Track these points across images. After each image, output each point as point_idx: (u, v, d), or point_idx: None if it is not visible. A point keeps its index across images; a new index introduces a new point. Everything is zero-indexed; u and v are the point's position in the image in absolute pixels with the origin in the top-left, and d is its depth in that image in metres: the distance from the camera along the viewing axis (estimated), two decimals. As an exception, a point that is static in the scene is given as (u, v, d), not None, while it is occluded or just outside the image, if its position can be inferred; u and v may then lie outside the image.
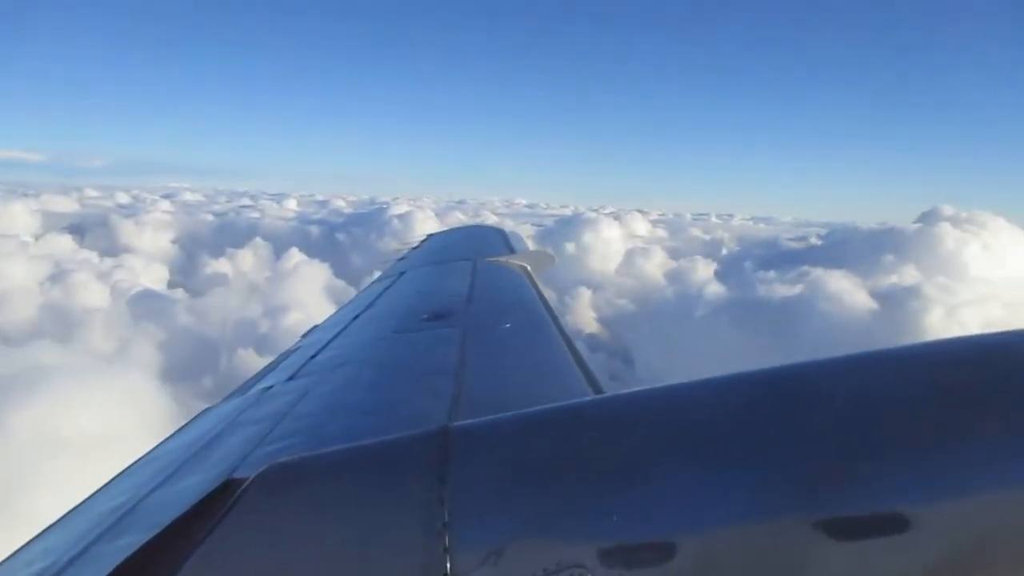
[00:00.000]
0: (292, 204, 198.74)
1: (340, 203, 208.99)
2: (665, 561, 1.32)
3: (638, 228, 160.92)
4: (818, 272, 53.70)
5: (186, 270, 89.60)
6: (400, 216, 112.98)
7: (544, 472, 1.47)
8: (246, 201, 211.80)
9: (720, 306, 50.88)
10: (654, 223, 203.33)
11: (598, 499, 1.41)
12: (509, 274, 6.71)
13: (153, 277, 77.24)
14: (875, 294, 48.65)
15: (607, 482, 1.43)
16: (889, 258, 55.54)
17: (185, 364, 48.33)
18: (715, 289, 54.32)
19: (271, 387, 3.66)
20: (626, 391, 1.73)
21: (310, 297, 62.74)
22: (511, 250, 7.85)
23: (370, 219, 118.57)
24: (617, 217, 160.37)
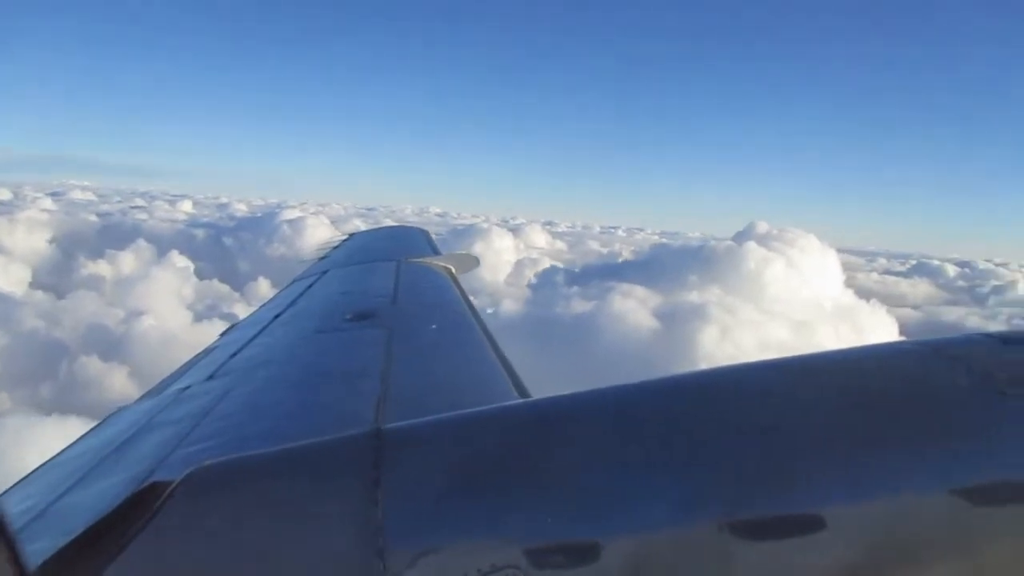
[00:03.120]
0: (186, 206, 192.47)
1: (241, 207, 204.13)
2: (595, 561, 1.36)
3: (537, 240, 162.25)
4: (624, 288, 52.99)
5: (60, 271, 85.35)
6: (290, 222, 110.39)
7: (477, 474, 1.49)
8: (138, 202, 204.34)
9: (510, 322, 49.55)
10: (559, 235, 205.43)
11: (530, 500, 1.44)
12: (433, 275, 6.66)
13: (13, 279, 72.92)
14: (659, 313, 47.93)
15: (539, 484, 1.47)
16: (694, 277, 55.12)
17: (24, 370, 45.36)
18: (511, 306, 53.00)
19: (188, 387, 3.58)
20: (555, 395, 1.75)
21: (174, 303, 60.15)
22: (435, 252, 7.91)
23: (260, 224, 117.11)
24: (514, 229, 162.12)
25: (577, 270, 65.98)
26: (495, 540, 1.39)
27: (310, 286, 6.47)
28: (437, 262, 7.28)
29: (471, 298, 6.15)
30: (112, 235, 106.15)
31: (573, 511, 1.43)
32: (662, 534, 1.41)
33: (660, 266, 59.17)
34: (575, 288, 56.36)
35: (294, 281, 7.19)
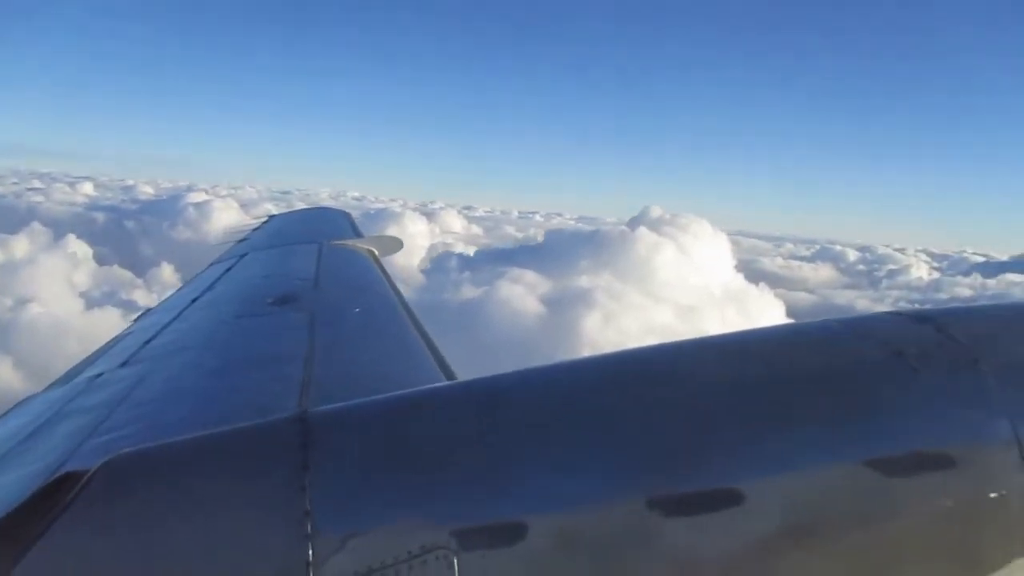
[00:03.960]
0: (87, 188, 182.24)
1: (147, 189, 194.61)
2: (523, 540, 1.38)
3: (453, 224, 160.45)
4: (514, 273, 52.17)
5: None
6: (197, 205, 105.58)
7: (404, 456, 1.49)
8: (36, 183, 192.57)
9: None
10: (477, 220, 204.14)
11: (458, 482, 1.45)
12: (356, 258, 6.65)
13: None
14: (546, 299, 47.30)
15: (466, 465, 1.48)
16: (585, 262, 54.74)
17: None
18: (403, 292, 51.53)
19: (101, 375, 3.47)
20: (481, 377, 1.75)
21: (65, 289, 56.07)
22: (357, 234, 7.92)
23: (165, 207, 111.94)
24: (429, 214, 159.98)
25: (471, 255, 64.69)
26: (424, 522, 1.38)
27: (228, 270, 6.25)
28: (360, 244, 7.20)
29: (391, 278, 6.00)
30: (4, 218, 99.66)
31: (500, 491, 1.44)
32: (587, 512, 1.43)
33: (553, 252, 58.68)
34: (466, 274, 55.32)
35: (211, 265, 6.96)
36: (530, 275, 52.12)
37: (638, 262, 54.08)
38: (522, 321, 44.90)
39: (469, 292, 49.61)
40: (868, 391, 1.65)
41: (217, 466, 1.52)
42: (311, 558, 1.33)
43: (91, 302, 54.45)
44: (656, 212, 62.82)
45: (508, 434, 1.56)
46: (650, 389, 1.66)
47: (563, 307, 45.67)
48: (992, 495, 1.57)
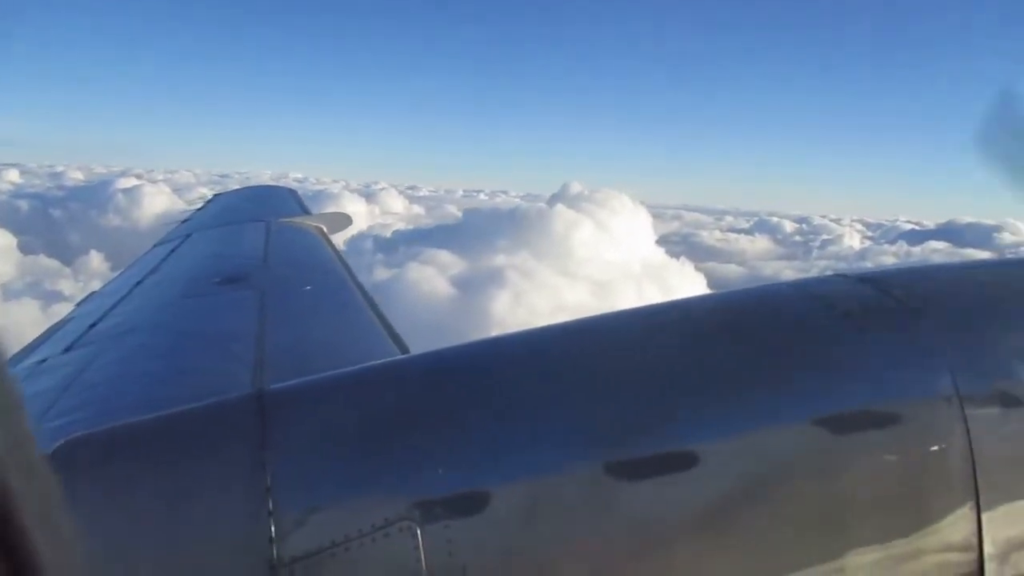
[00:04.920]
0: (13, 176, 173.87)
1: (77, 175, 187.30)
2: (486, 508, 1.39)
3: (394, 205, 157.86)
4: (428, 254, 50.89)
5: None
6: (126, 191, 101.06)
7: (363, 430, 1.49)
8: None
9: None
10: (420, 200, 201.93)
11: (418, 453, 1.44)
12: (305, 235, 6.56)
13: None
14: (457, 280, 46.17)
15: (426, 436, 1.48)
16: (503, 241, 53.66)
17: None
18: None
19: (44, 360, 3.39)
20: (437, 349, 1.75)
21: None
22: (305, 211, 7.97)
23: (93, 194, 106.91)
24: (370, 195, 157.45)
25: (387, 236, 63.10)
26: (385, 495, 1.39)
27: (173, 251, 6.10)
28: (308, 222, 7.14)
29: (342, 254, 5.91)
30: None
31: (462, 461, 1.44)
32: (548, 479, 1.44)
33: (471, 231, 57.44)
34: (379, 256, 53.83)
35: (155, 246, 6.81)
36: (444, 255, 50.89)
37: (555, 239, 53.25)
38: (430, 303, 43.66)
39: (381, 274, 48.02)
40: (817, 351, 1.68)
41: (174, 447, 1.48)
42: (273, 534, 1.32)
43: (13, 293, 51.62)
44: (575, 188, 62.12)
45: (467, 405, 1.54)
46: (605, 356, 1.66)
47: (474, 288, 44.58)
48: (934, 448, 1.60)
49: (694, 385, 1.60)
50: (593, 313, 1.91)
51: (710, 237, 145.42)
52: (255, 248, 5.72)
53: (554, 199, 60.88)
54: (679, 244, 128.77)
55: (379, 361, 1.86)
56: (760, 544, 1.53)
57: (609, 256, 53.12)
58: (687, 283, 52.97)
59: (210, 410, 1.60)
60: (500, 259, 50.82)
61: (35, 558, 0.51)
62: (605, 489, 1.45)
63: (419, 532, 1.36)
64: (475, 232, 56.58)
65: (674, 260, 58.15)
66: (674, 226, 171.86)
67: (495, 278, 45.04)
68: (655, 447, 1.49)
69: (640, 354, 1.68)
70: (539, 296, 43.91)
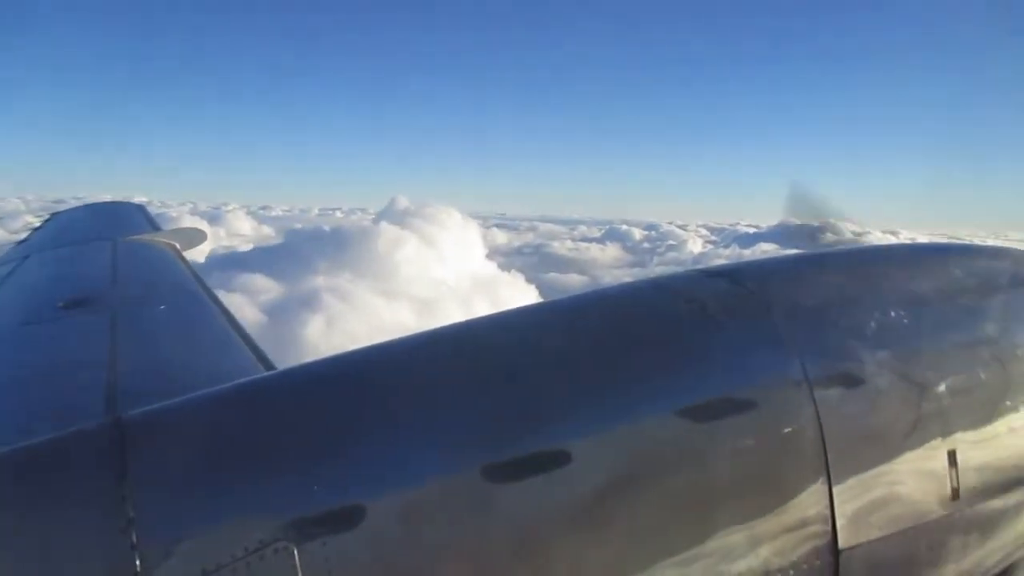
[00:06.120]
0: None
1: None
2: (363, 522, 1.38)
3: (242, 227, 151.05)
4: (242, 279, 47.54)
5: None
6: None
7: (230, 452, 1.45)
8: None
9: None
10: (271, 220, 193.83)
11: (289, 472, 1.41)
12: (156, 253, 6.27)
13: None
14: (267, 306, 43.26)
15: (296, 454, 1.44)
16: (324, 262, 51.13)
17: None
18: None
19: None
20: (303, 364, 1.73)
21: None
22: (155, 227, 7.60)
23: None
24: (215, 216, 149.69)
25: (202, 261, 58.87)
26: (258, 516, 1.35)
27: (8, 275, 5.67)
28: (159, 238, 6.81)
29: (197, 271, 5.62)
30: None
31: (335, 477, 1.42)
32: (425, 487, 1.44)
33: (291, 253, 54.52)
34: (188, 284, 49.90)
35: None
36: (259, 280, 47.80)
37: (379, 258, 51.31)
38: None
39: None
40: (678, 345, 1.75)
41: (25, 483, 1.41)
42: (138, 569, 1.27)
43: None
44: (403, 204, 60.33)
45: (338, 418, 1.50)
46: (474, 361, 1.66)
47: (285, 314, 41.76)
48: (787, 429, 1.70)
49: (563, 385, 1.62)
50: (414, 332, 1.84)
51: (562, 247, 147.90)
52: (102, 268, 5.38)
53: (380, 216, 59.01)
54: (532, 255, 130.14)
55: (243, 380, 1.79)
56: (633, 534, 1.57)
57: (436, 273, 51.78)
58: (518, 296, 52.54)
59: (63, 442, 1.50)
60: (319, 281, 48.36)
61: None
62: (482, 492, 1.44)
63: (296, 552, 1.32)
64: (295, 253, 53.68)
65: (505, 273, 57.64)
66: (528, 237, 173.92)
67: (309, 302, 42.56)
68: (528, 448, 1.49)
69: (508, 357, 1.68)
70: (356, 319, 41.87)
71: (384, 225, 54.13)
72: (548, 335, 1.76)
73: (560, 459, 1.49)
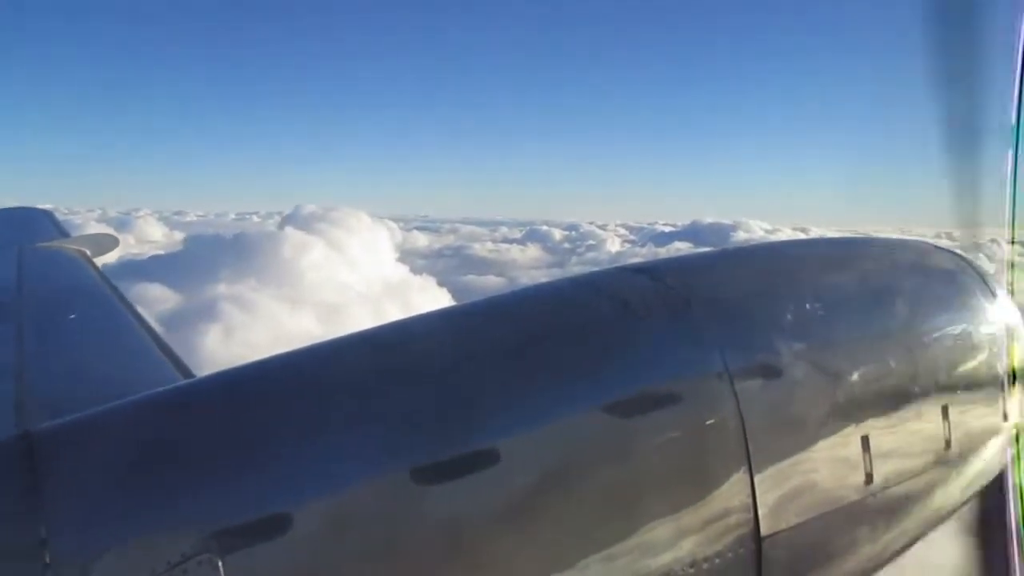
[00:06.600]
0: None
1: None
2: (289, 531, 1.36)
3: (152, 233, 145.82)
4: (138, 289, 45.38)
5: None
6: None
7: (148, 463, 1.40)
8: None
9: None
10: (184, 226, 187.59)
11: (211, 481, 1.39)
12: (66, 260, 6.19)
13: None
14: (164, 317, 41.55)
15: (217, 463, 1.41)
16: (227, 270, 49.51)
17: None
18: None
19: None
20: (219, 371, 1.69)
21: None
22: (63, 234, 7.52)
23: None
24: (124, 223, 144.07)
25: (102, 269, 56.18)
26: (179, 529, 1.31)
27: None
28: (68, 245, 6.76)
29: (109, 278, 5.41)
30: None
31: (259, 485, 1.38)
32: (351, 492, 1.43)
33: (192, 260, 52.62)
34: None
35: None
36: (156, 290, 45.91)
37: (283, 265, 50.08)
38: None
39: (73, 317, 42.36)
40: (601, 342, 1.76)
41: None
42: None
43: None
44: (309, 208, 59.16)
45: (259, 424, 1.47)
46: (399, 363, 1.64)
47: (182, 325, 40.17)
48: (710, 421, 1.74)
49: (487, 385, 1.62)
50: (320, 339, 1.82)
51: (482, 249, 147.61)
52: (6, 276, 5.18)
53: (285, 221, 57.65)
54: (452, 257, 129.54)
55: (160, 388, 1.76)
56: (561, 531, 1.58)
57: (343, 278, 50.85)
58: (429, 300, 52.09)
59: None
60: (219, 290, 46.80)
61: None
62: (410, 495, 1.42)
63: (220, 564, 1.29)
64: (196, 261, 51.84)
65: (416, 277, 57.09)
66: (449, 239, 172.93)
67: (207, 312, 41.11)
68: (455, 449, 1.48)
69: (432, 359, 1.66)
70: (257, 327, 40.69)
71: (289, 230, 52.86)
72: (472, 335, 1.77)
73: (487, 459, 1.49)
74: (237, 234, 55.67)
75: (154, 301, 44.84)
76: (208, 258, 51.83)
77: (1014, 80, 2.40)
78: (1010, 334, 2.39)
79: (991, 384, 2.31)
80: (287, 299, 45.81)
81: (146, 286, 47.31)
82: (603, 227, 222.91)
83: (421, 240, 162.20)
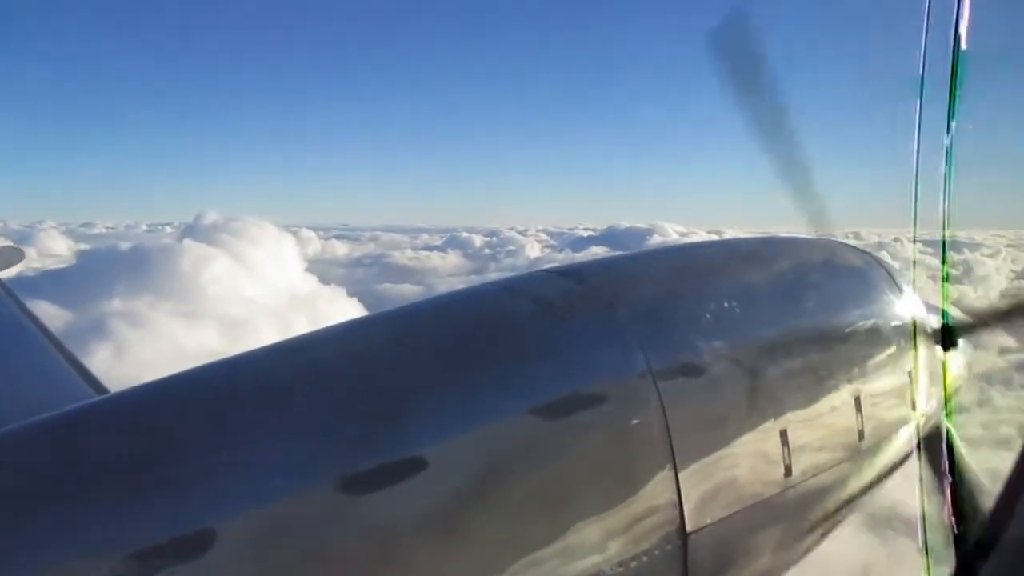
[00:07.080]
0: None
1: None
2: (213, 547, 1.33)
3: (56, 246, 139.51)
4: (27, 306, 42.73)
5: None
6: None
7: (61, 484, 1.36)
8: None
9: None
10: (92, 238, 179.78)
11: (130, 500, 1.35)
12: None
13: None
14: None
15: (136, 480, 1.38)
16: (122, 285, 47.18)
17: None
18: None
19: None
20: (134, 386, 1.65)
21: None
22: None
23: None
24: (26, 236, 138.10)
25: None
26: (96, 552, 1.27)
27: None
28: None
29: (15, 293, 5.22)
30: None
31: (180, 501, 1.36)
32: (276, 505, 1.40)
33: (84, 276, 50.03)
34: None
35: None
36: (43, 307, 43.14)
37: (182, 278, 48.09)
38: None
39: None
40: (526, 345, 1.77)
41: None
42: None
43: None
44: (211, 218, 57.08)
45: (178, 439, 1.43)
46: (321, 372, 1.62)
47: (70, 344, 38.18)
48: (635, 421, 1.76)
49: (412, 390, 1.59)
50: (222, 356, 1.77)
51: (403, 256, 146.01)
52: None
53: (184, 232, 55.48)
54: (372, 265, 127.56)
55: (71, 406, 1.66)
56: (489, 536, 1.59)
57: (247, 291, 49.23)
58: (338, 310, 50.91)
59: None
60: (112, 306, 44.55)
61: None
62: (336, 504, 1.41)
63: None
64: (89, 276, 49.30)
65: (325, 287, 55.84)
66: (369, 248, 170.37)
67: (96, 330, 38.98)
68: (380, 456, 1.46)
69: (354, 366, 1.64)
70: (152, 345, 38.88)
71: (188, 242, 50.79)
72: (395, 341, 1.76)
73: (413, 465, 1.48)
74: (133, 247, 53.12)
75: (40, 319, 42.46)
76: (101, 273, 49.39)
77: (920, 83, 2.37)
78: (916, 327, 2.49)
79: (900, 376, 2.41)
80: (186, 314, 44.05)
81: (33, 304, 44.69)
82: (524, 232, 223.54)
83: (340, 249, 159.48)
